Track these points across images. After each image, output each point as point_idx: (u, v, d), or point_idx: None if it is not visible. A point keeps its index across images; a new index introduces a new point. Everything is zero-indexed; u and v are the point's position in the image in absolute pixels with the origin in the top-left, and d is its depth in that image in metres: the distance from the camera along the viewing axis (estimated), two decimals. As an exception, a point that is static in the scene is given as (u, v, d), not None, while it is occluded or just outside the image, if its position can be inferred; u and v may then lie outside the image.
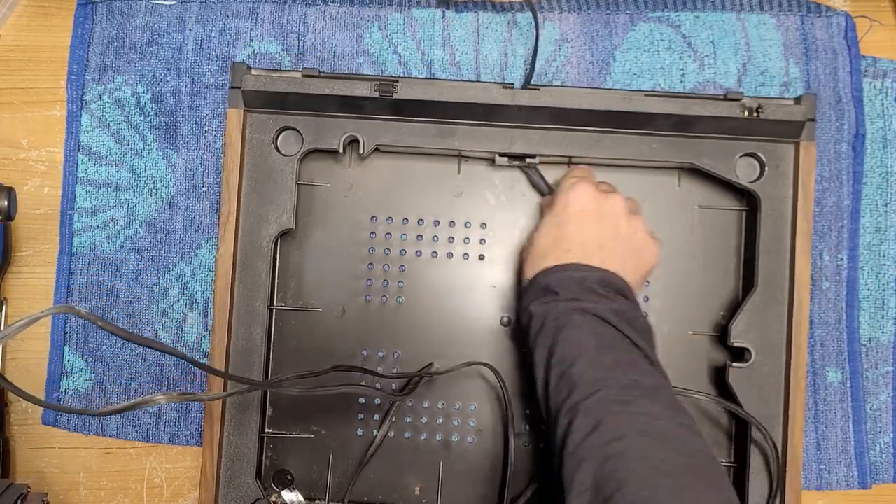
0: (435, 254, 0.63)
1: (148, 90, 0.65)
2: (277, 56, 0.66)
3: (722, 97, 0.58)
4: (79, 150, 0.65)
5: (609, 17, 0.66)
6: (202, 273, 0.64)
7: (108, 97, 0.66)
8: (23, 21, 0.67)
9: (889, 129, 0.65)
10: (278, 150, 0.60)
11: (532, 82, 0.60)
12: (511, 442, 0.59)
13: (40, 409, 0.64)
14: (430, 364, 0.61)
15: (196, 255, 0.64)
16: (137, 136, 0.65)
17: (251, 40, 0.66)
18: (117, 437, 0.64)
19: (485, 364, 0.60)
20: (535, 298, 0.52)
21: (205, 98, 0.65)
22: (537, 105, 0.58)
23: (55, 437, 0.65)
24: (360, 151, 0.59)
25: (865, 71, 0.65)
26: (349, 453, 0.62)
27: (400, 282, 0.63)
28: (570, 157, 0.61)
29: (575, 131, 0.59)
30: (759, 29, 0.65)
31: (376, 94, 0.57)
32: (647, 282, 0.62)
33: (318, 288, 0.63)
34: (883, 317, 0.64)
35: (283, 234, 0.61)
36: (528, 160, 0.60)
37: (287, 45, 0.66)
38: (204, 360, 0.63)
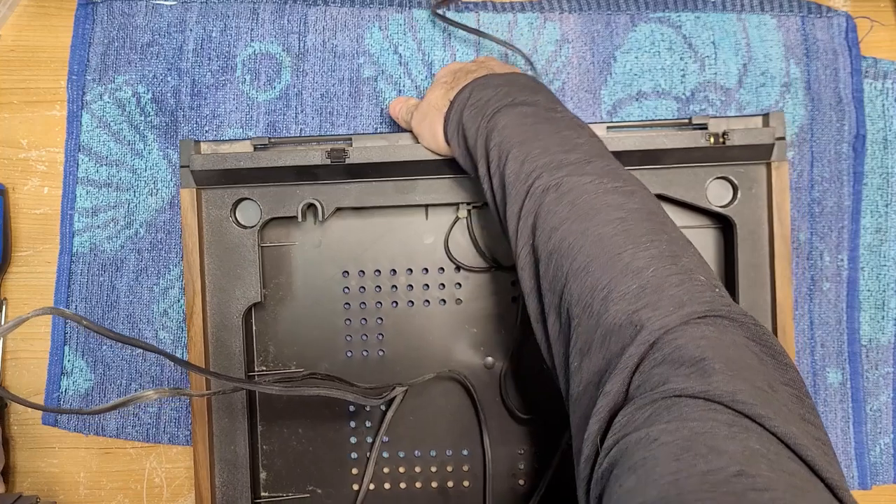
0: (411, 303, 0.62)
1: (148, 90, 0.65)
2: (278, 56, 0.66)
3: (687, 122, 0.56)
4: (79, 150, 0.65)
5: (610, 18, 0.66)
6: (202, 273, 0.64)
7: (109, 97, 0.66)
8: (23, 21, 0.67)
9: (889, 130, 0.65)
10: (237, 223, 0.58)
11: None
12: (488, 463, 0.60)
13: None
14: (400, 385, 0.61)
15: (196, 255, 0.64)
16: (138, 136, 0.65)
17: (252, 40, 0.66)
18: (117, 437, 0.64)
19: (457, 372, 0.61)
20: (462, 109, 0.50)
21: (205, 98, 0.65)
22: None
23: (55, 437, 0.65)
24: (320, 217, 0.58)
25: (866, 72, 0.65)
26: None
27: (379, 334, 0.62)
28: None
29: None
30: (759, 29, 0.65)
31: (328, 161, 0.55)
32: None
33: (298, 348, 0.62)
34: (883, 318, 0.64)
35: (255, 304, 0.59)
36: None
37: (287, 45, 0.66)
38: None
